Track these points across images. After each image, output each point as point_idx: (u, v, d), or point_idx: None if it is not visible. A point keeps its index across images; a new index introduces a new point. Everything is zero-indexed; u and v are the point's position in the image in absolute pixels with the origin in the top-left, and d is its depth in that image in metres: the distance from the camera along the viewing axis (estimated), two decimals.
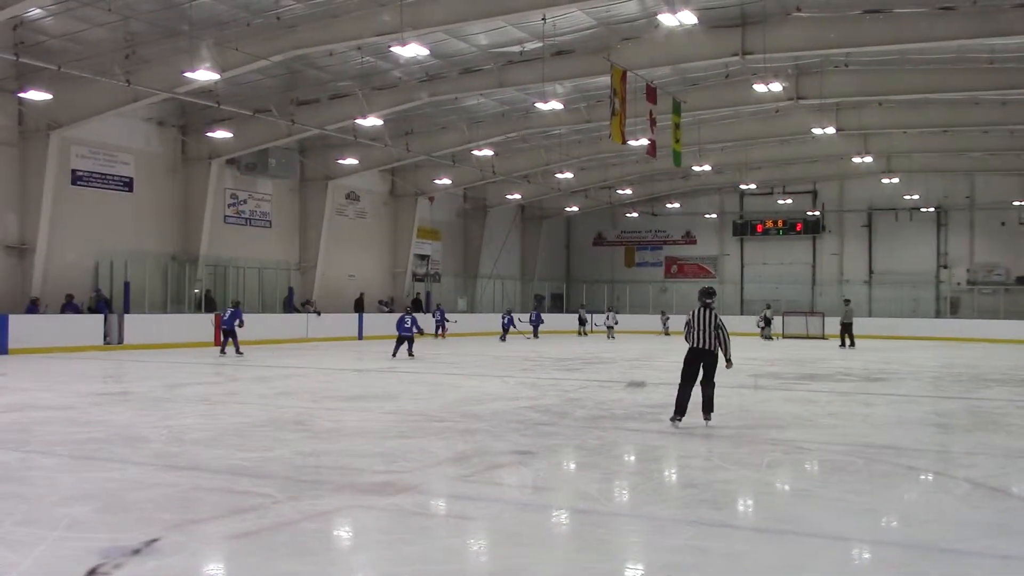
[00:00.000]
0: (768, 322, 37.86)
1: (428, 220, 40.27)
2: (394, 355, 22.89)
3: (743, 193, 46.57)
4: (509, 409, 12.23)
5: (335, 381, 16.60)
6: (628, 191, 43.83)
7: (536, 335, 35.72)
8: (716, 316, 10.91)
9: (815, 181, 45.06)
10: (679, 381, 10.97)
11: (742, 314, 42.91)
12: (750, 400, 13.92)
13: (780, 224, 46.17)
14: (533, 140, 34.60)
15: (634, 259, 50.72)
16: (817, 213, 45.38)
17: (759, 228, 46.64)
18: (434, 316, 33.53)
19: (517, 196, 42.07)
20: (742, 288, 47.34)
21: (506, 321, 34.52)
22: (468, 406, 12.56)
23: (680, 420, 10.81)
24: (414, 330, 23.46)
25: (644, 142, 25.09)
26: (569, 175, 37.89)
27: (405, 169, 36.89)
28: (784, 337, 38.10)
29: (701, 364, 10.85)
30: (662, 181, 44.46)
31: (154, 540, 5.71)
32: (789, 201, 45.52)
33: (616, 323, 38.65)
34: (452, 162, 33.65)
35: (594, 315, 41.97)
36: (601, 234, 51.31)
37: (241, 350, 23.06)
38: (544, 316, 37.84)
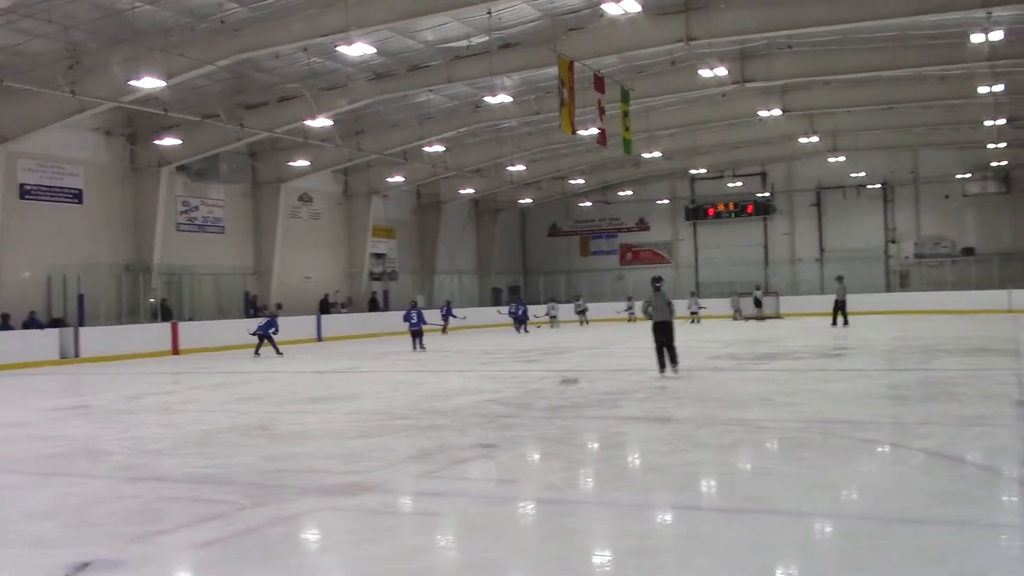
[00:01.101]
0: (759, 303, 38.34)
1: (383, 219, 40.11)
2: (413, 348, 24.64)
3: (693, 178, 46.89)
4: (471, 403, 12.23)
5: (296, 384, 16.49)
6: (580, 181, 44.00)
7: (526, 329, 35.11)
8: (665, 295, 15.01)
9: (763, 163, 45.47)
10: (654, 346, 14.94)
11: (692, 296, 43.23)
12: (710, 382, 14.03)
13: (731, 207, 46.54)
14: (484, 134, 34.57)
15: (589, 248, 50.89)
16: (767, 194, 45.82)
17: (711, 212, 46.98)
18: (441, 311, 33.96)
19: (470, 190, 42.05)
20: (697, 271, 47.69)
21: (520, 312, 34.97)
22: (430, 402, 12.54)
23: (663, 373, 14.75)
24: (421, 324, 25.01)
25: (594, 131, 25.16)
26: (521, 167, 37.94)
27: (357, 169, 36.71)
28: (744, 319, 38.45)
29: (663, 332, 14.83)
30: (613, 169, 44.65)
31: (120, 554, 5.64)
32: (739, 184, 45.92)
33: (558, 314, 38.85)
34: (404, 159, 33.55)
35: (556, 306, 41.97)
36: (556, 225, 51.42)
37: (281, 351, 24.53)
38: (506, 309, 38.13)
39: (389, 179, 36.69)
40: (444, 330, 33.77)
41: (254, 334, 25.01)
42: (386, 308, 38.52)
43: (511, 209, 48.85)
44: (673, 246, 48.80)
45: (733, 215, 46.57)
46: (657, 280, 15.24)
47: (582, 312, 39.77)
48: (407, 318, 25.15)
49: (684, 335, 27.56)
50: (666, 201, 48.30)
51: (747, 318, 38.04)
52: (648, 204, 48.61)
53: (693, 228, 48.06)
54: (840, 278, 31.10)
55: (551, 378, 15.61)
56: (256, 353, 24.69)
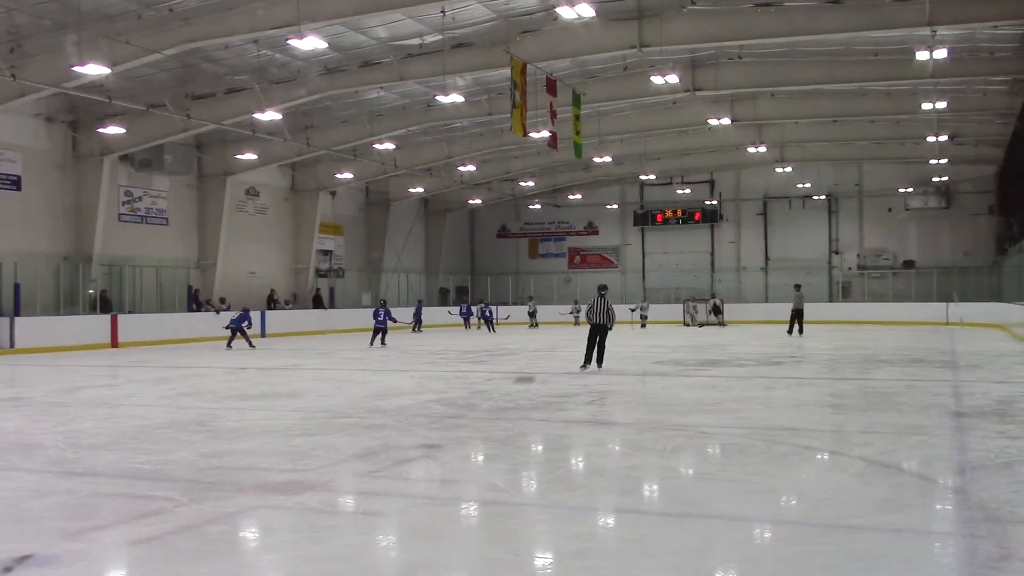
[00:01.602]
0: (718, 310, 38.71)
1: (330, 215, 39.86)
2: (371, 344, 25.84)
3: (643, 184, 47.23)
4: (416, 403, 12.19)
5: (238, 380, 16.32)
6: (531, 183, 44.13)
7: (492, 328, 36.18)
8: (608, 302, 17.14)
9: (712, 171, 45.94)
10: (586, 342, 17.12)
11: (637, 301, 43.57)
12: (653, 387, 14.13)
13: (679, 214, 46.94)
14: (435, 133, 34.50)
15: (538, 250, 51.04)
16: (715, 202, 46.30)
17: (659, 218, 47.35)
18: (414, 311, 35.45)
19: (420, 189, 41.94)
20: (644, 276, 48.03)
21: (488, 313, 36.12)
22: (374, 401, 12.48)
23: (587, 367, 16.80)
24: (388, 322, 26.36)
25: (545, 134, 25.26)
26: (472, 168, 37.94)
27: (306, 164, 36.43)
28: (697, 324, 38.83)
29: (597, 333, 16.99)
30: (564, 173, 44.82)
31: (53, 549, 5.53)
32: (688, 191, 46.33)
33: (493, 315, 38.97)
34: (353, 156, 33.37)
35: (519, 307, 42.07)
36: (505, 226, 51.48)
37: (253, 344, 25.61)
38: (471, 309, 38.22)
39: (338, 175, 36.48)
40: (418, 330, 35.08)
41: (227, 328, 25.81)
42: (331, 305, 38.30)
43: (460, 209, 48.81)
44: (621, 251, 49.11)
45: (681, 222, 46.99)
46: (602, 288, 17.56)
47: (533, 314, 39.91)
48: (375, 315, 26.47)
49: (630, 340, 27.93)
50: (615, 206, 48.61)
51: (701, 324, 38.41)
52: (597, 208, 48.87)
53: (641, 233, 48.40)
54: (798, 287, 31.03)
55: (497, 379, 15.61)
56: (228, 346, 25.43)
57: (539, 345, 26.49)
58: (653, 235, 48.21)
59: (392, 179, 41.28)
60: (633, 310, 38.01)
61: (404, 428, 9.99)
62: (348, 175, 36.46)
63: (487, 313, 36.94)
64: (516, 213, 50.82)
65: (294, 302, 36.24)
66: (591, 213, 49.36)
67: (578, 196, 47.46)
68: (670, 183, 46.76)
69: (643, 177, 44.25)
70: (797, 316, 29.47)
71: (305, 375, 17.46)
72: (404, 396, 13.12)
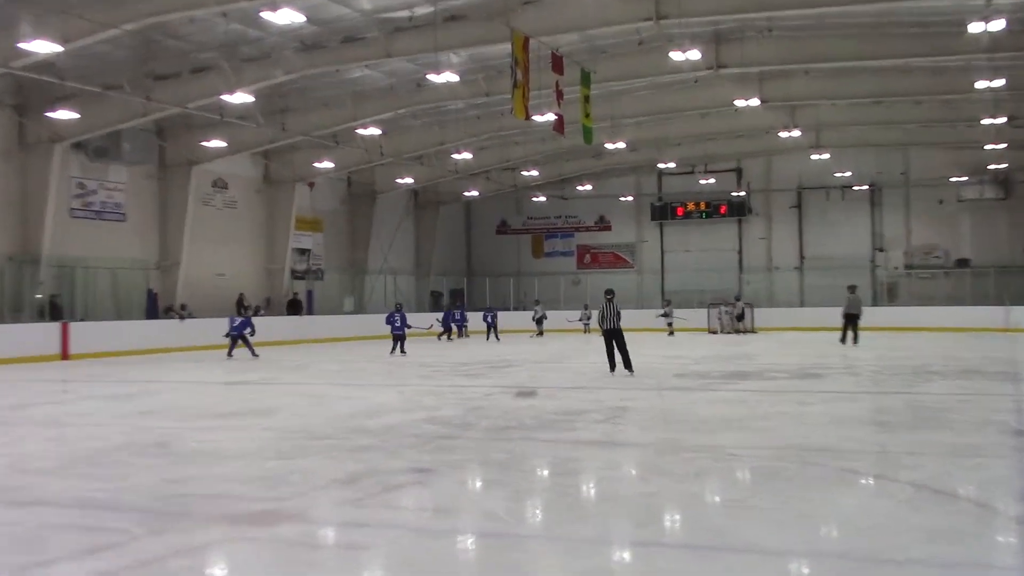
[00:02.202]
0: (742, 316, 38.77)
1: (308, 209, 39.88)
2: (392, 353, 26.93)
3: (661, 172, 47.24)
4: (405, 422, 12.18)
5: (204, 396, 16.31)
6: (534, 172, 44.10)
7: (496, 336, 36.55)
8: (616, 305, 19.02)
9: (739, 158, 45.98)
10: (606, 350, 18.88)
11: (650, 306, 43.56)
12: (674, 403, 14.12)
13: (702, 206, 46.96)
14: (426, 116, 34.51)
15: (543, 248, 51.08)
16: (742, 193, 46.31)
17: (679, 211, 47.37)
18: (454, 316, 36.51)
19: (409, 180, 41.94)
20: (663, 278, 48.03)
21: (490, 319, 36.65)
22: (358, 420, 12.47)
23: (613, 371, 18.53)
24: (404, 328, 27.59)
25: (550, 117, 25.26)
26: (467, 155, 37.92)
27: (280, 152, 36.44)
28: (714, 332, 38.83)
29: (613, 339, 18.73)
30: (571, 161, 44.83)
31: None
32: (712, 181, 46.35)
33: (467, 323, 39.02)
34: (334, 143, 33.36)
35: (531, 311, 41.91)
36: (505, 221, 51.53)
37: (257, 353, 26.24)
38: (464, 316, 38.33)
39: (316, 164, 36.47)
40: (450, 336, 36.34)
41: (228, 335, 26.62)
42: (310, 311, 38.29)
43: (455, 202, 48.84)
44: (637, 248, 49.16)
45: (704, 216, 47.00)
46: (609, 292, 19.40)
47: (540, 321, 39.83)
48: (390, 320, 27.65)
49: (651, 349, 27.86)
50: (630, 198, 48.64)
51: (733, 331, 38.44)
52: (610, 201, 48.90)
53: (659, 229, 48.43)
54: (853, 288, 29.84)
55: (497, 395, 15.60)
56: (229, 355, 26.21)
57: (544, 355, 26.46)
58: (673, 231, 48.24)
59: (378, 168, 41.29)
60: (663, 315, 38.00)
61: (392, 450, 9.98)
62: (328, 164, 36.47)
63: (489, 319, 36.98)
64: (518, 207, 50.84)
65: (267, 307, 36.24)
66: (603, 206, 49.39)
67: (588, 187, 47.45)
68: (692, 172, 46.78)
69: (661, 165, 44.25)
70: (851, 322, 28.67)
71: (280, 390, 17.44)
72: (392, 414, 13.11)
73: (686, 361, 23.00)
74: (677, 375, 18.94)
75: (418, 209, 47.75)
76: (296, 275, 39.06)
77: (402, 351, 27.14)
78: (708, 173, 46.40)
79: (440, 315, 38.19)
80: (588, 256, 50.17)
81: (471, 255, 52.25)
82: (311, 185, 39.49)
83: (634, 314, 41.36)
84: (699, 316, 40.47)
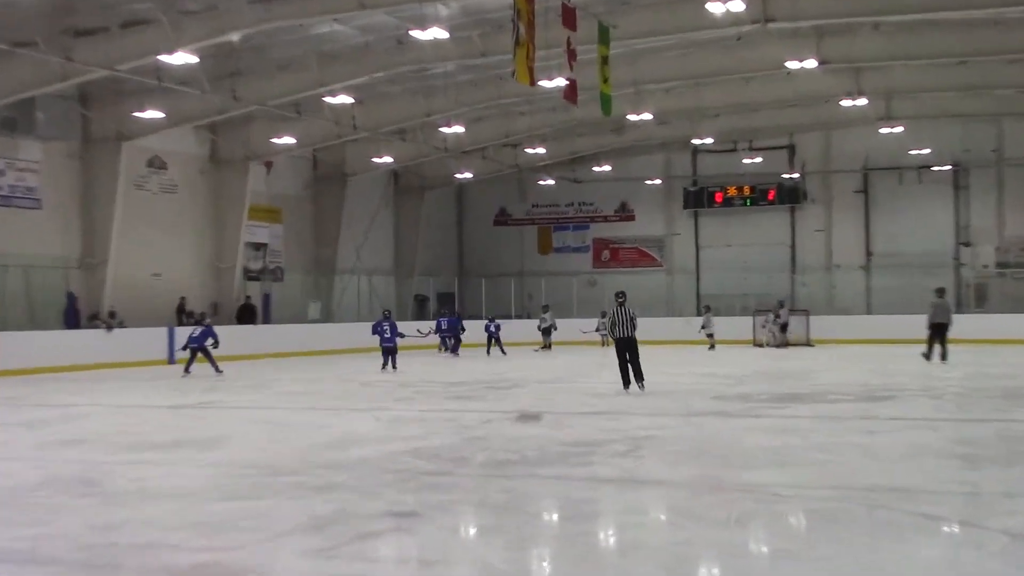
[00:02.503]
0: (785, 326, 38.72)
1: (264, 195, 39.90)
2: (383, 368, 27.67)
3: (696, 150, 47.25)
4: (384, 455, 12.18)
5: (139, 423, 16.31)
6: (540, 150, 44.08)
7: (502, 349, 36.89)
8: (630, 310, 19.87)
9: (792, 132, 45.95)
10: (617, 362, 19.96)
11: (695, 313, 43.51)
12: (711, 431, 14.12)
13: (746, 192, 46.93)
14: (408, 82, 34.50)
15: (551, 243, 51.11)
16: (796, 176, 46.27)
17: (718, 197, 47.35)
18: (487, 328, 36.98)
19: (388, 160, 41.91)
20: (698, 279, 48.02)
21: (492, 329, 37.07)
22: (326, 452, 12.47)
23: (628, 388, 19.55)
24: (396, 339, 28.19)
25: (561, 83, 25.23)
26: (459, 129, 37.92)
27: (231, 124, 36.45)
28: (760, 345, 38.83)
29: (626, 350, 19.70)
30: (586, 136, 44.82)
31: None
32: (758, 160, 46.30)
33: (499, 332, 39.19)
34: (297, 114, 33.36)
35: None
36: (505, 210, 51.57)
37: (220, 368, 26.76)
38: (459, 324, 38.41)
39: (275, 140, 36.45)
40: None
41: (187, 347, 27.16)
42: (266, 319, 38.29)
43: (444, 187, 48.86)
44: (666, 243, 49.18)
45: (749, 203, 46.97)
46: (620, 295, 20.33)
47: (548, 331, 39.78)
48: (378, 330, 28.38)
49: (683, 367, 27.75)
50: (658, 182, 48.65)
51: (783, 344, 38.43)
52: (633, 185, 48.92)
53: (694, 219, 48.46)
54: (941, 292, 29.21)
55: (497, 421, 15.62)
56: (186, 371, 26.68)
57: (553, 373, 26.46)
58: (711, 222, 48.26)
59: (350, 146, 41.29)
60: (703, 328, 38.02)
61: (368, 490, 9.99)
62: (289, 140, 36.44)
63: (492, 329, 36.93)
64: (521, 192, 50.87)
65: (215, 315, 36.23)
66: (625, 191, 49.40)
67: (606, 168, 47.45)
68: (734, 150, 46.77)
69: (696, 142, 44.24)
70: (938, 333, 27.91)
71: (230, 416, 17.45)
72: (368, 445, 13.11)
73: (726, 380, 22.98)
74: (715, 397, 18.92)
75: (399, 195, 47.73)
76: (250, 275, 39.05)
77: (393, 366, 27.68)
78: (753, 151, 46.38)
79: (431, 323, 38.28)
80: (607, 252, 50.18)
81: (463, 251, 52.26)
82: (268, 165, 39.51)
83: (663, 323, 41.55)
84: (742, 326, 40.46)
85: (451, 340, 37.10)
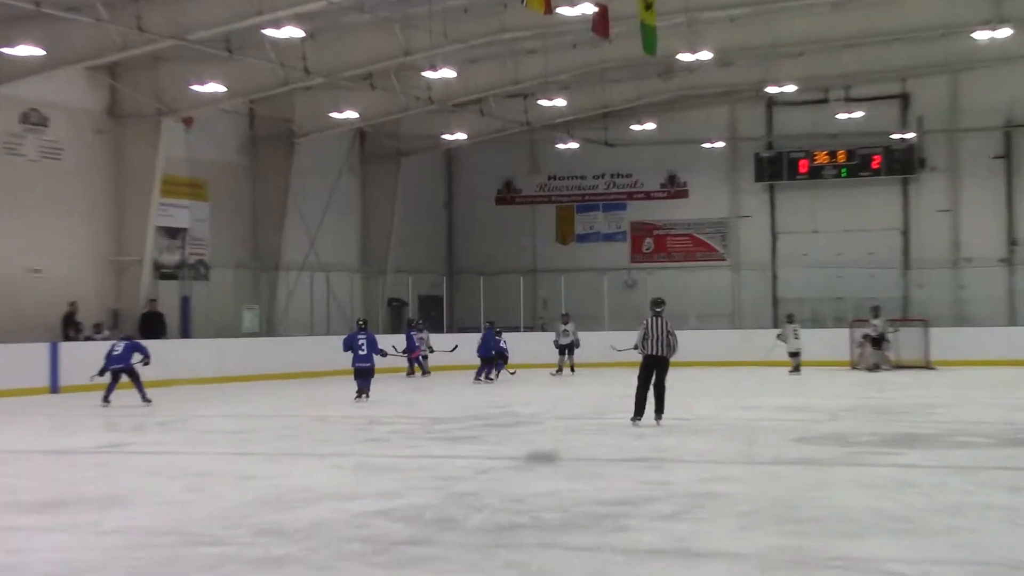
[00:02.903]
0: (880, 340, 38.59)
1: (183, 163, 39.92)
2: (358, 398, 27.89)
3: (772, 102, 47.31)
4: (345, 517, 12.14)
5: (11, 474, 16.28)
6: (559, 103, 44.06)
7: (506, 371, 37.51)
8: (667, 324, 21.10)
9: (904, 77, 45.94)
10: (636, 384, 21.09)
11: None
12: (792, 485, 14.06)
13: (841, 158, 47.02)
14: (380, 8, 34.51)
15: (573, 228, 51.23)
16: (910, 136, 46.22)
17: (803, 166, 47.40)
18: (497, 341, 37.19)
19: (351, 114, 41.92)
20: (774, 278, 47.95)
21: (501, 344, 37.54)
22: (266, 514, 12.42)
23: (639, 420, 20.75)
24: (373, 358, 28.42)
25: (587, 9, 25.21)
26: (448, 73, 37.86)
27: (137, 66, 36.48)
28: (854, 367, 38.76)
29: (654, 369, 20.94)
30: (622, 84, 44.85)
31: None
32: (858, 115, 46.27)
33: (431, 350, 39.26)
34: (227, 52, 33.36)
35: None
36: (511, 184, 51.68)
37: (148, 396, 27.44)
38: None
39: (196, 88, 36.43)
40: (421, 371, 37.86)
41: (106, 370, 27.71)
42: (185, 332, 38.24)
43: (427, 152, 48.93)
44: (731, 229, 49.30)
45: (845, 173, 47.04)
46: (658, 304, 21.68)
47: (567, 349, 39.67)
48: (350, 345, 28.74)
49: (754, 397, 27.61)
50: (720, 145, 48.74)
51: (874, 366, 38.31)
52: (687, 150, 49.03)
53: (769, 196, 48.58)
54: None
55: (498, 471, 15.58)
56: (106, 400, 27.25)
57: (576, 404, 26.44)
58: (791, 199, 48.33)
59: (300, 96, 41.32)
60: (781, 341, 37.93)
61: (323, 565, 9.96)
62: (217, 88, 36.39)
63: (500, 345, 36.98)
64: (532, 159, 50.98)
65: (114, 326, 36.25)
66: (674, 158, 49.49)
67: (649, 127, 47.47)
68: (824, 101, 46.82)
69: (772, 90, 44.24)
70: None
71: (136, 464, 17.43)
72: (324, 503, 13.07)
73: (815, 416, 22.97)
74: (799, 439, 18.88)
75: (367, 164, 47.85)
76: (163, 272, 39.00)
77: (366, 395, 28.08)
78: (851, 103, 46.35)
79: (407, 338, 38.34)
80: (649, 241, 50.30)
81: (454, 240, 52.42)
82: (188, 123, 39.46)
83: (726, 339, 41.59)
84: (835, 341, 40.38)
85: (495, 363, 37.08)
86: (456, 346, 37.37)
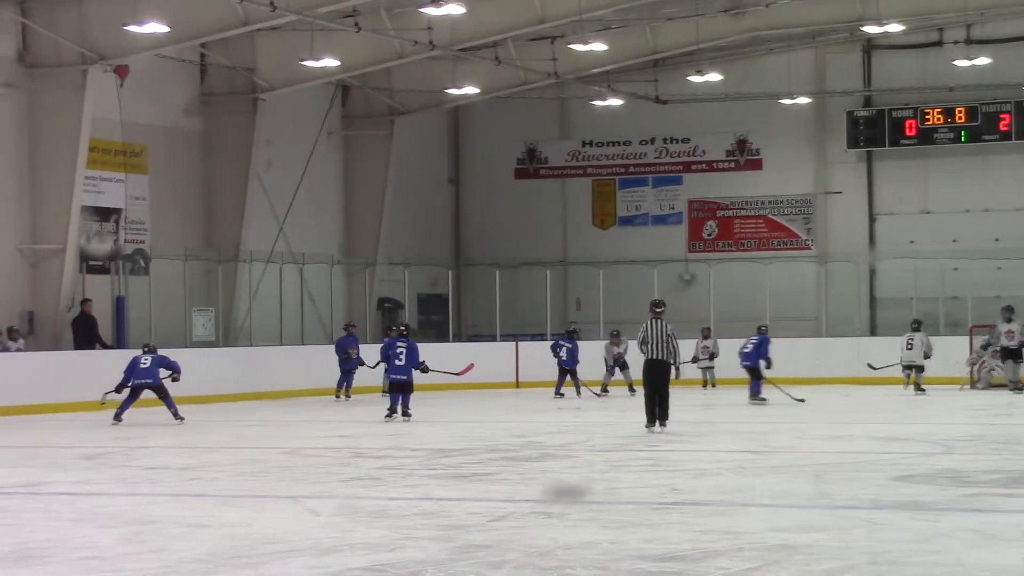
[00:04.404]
0: (1018, 354, 38.58)
1: (116, 125, 39.97)
2: (388, 417, 29.38)
3: (871, 46, 47.26)
4: (324, 575, 12.20)
5: None
6: (596, 47, 44.08)
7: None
8: (667, 326, 25.35)
9: None
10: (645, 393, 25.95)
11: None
12: (899, 535, 14.08)
13: (960, 118, 46.88)
14: None
15: (614, 208, 51.23)
16: None
17: (910, 128, 47.37)
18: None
19: (331, 62, 41.96)
20: (872, 273, 47.89)
21: (563, 354, 39.04)
22: (224, 571, 12.47)
23: (653, 426, 25.36)
24: (411, 371, 29.79)
25: None
26: (455, 8, 37.92)
27: (55, 1, 36.52)
28: (973, 386, 38.71)
29: (658, 374, 25.18)
30: (677, 23, 44.81)
31: None
32: (981, 62, 46.17)
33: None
34: None
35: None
36: (536, 151, 51.76)
37: (181, 414, 29.77)
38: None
39: (133, 28, 36.46)
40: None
41: (125, 385, 29.73)
42: (118, 340, 38.30)
43: (428, 111, 48.95)
44: (817, 208, 49.29)
45: (964, 137, 46.92)
46: (658, 305, 26.17)
47: (618, 366, 39.86)
48: (386, 353, 30.52)
49: (850, 424, 27.49)
50: (804, 102, 48.64)
51: (1014, 386, 38.30)
52: (760, 108, 49.14)
53: (866, 167, 48.57)
54: None
55: (518, 516, 15.61)
56: (118, 418, 29.31)
57: (619, 434, 26.48)
58: (894, 171, 48.41)
59: (264, 39, 41.36)
60: (909, 365, 38.04)
61: None
62: (159, 27, 36.44)
63: (565, 352, 37.63)
64: (563, 121, 51.07)
65: (29, 332, 36.36)
66: (745, 119, 49.58)
67: (714, 78, 47.48)
68: (937, 44, 46.76)
69: (872, 30, 44.23)
70: None
71: (55, 509, 17.46)
72: (296, 558, 13.11)
73: (923, 447, 23.00)
74: (902, 477, 18.89)
75: (350, 126, 47.96)
76: (92, 264, 39.08)
77: (403, 414, 29.11)
78: (973, 46, 46.31)
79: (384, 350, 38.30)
80: (712, 225, 50.38)
81: (461, 225, 52.47)
82: (121, 73, 39.51)
83: (812, 349, 41.60)
84: (953, 351, 40.34)
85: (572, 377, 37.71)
86: (471, 365, 37.00)
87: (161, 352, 33.74)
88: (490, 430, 27.96)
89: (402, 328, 31.83)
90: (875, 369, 38.79)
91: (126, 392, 29.19)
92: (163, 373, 29.28)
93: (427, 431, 28.11)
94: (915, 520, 15.30)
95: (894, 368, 38.54)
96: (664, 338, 24.96)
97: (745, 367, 34.85)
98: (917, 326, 40.02)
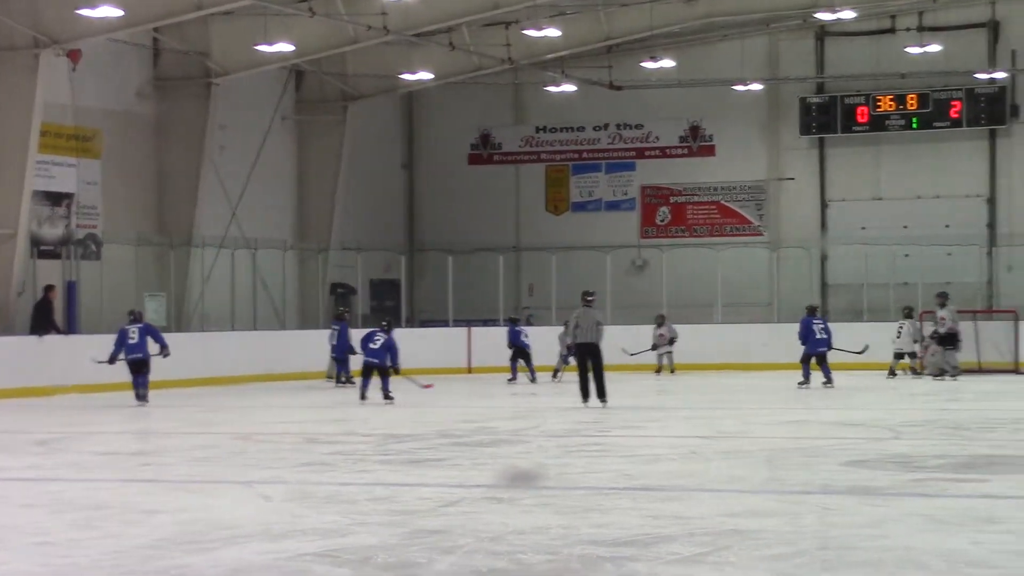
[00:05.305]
0: (948, 339, 38.68)
1: (68, 110, 39.87)
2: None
3: (823, 31, 47.33)
4: (275, 560, 12.18)
5: None
6: (549, 33, 44.09)
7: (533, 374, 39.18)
8: (596, 313, 28.76)
9: (994, 0, 45.91)
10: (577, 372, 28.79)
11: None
12: (849, 520, 14.14)
13: (912, 104, 47.02)
14: None
15: (568, 194, 51.28)
16: (1000, 76, 46.26)
17: (862, 115, 47.44)
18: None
19: (285, 47, 41.90)
20: (823, 259, 48.02)
21: (524, 339, 39.35)
22: (176, 556, 12.44)
23: (588, 401, 28.27)
24: (385, 355, 30.81)
25: None
26: None
27: None
28: (919, 372, 38.84)
29: (587, 357, 28.07)
30: (632, 8, 44.84)
31: None
32: (932, 49, 46.28)
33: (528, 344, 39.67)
34: None
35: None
36: (489, 137, 51.76)
37: (146, 395, 30.79)
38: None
39: (85, 11, 36.37)
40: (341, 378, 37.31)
41: (115, 359, 30.73)
42: (70, 325, 38.20)
43: (382, 96, 48.88)
44: (770, 195, 49.39)
45: (916, 124, 47.05)
46: (589, 295, 29.35)
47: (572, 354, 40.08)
48: (365, 343, 31.20)
49: (800, 411, 27.54)
50: (756, 88, 48.70)
51: (940, 372, 38.40)
52: (714, 95, 49.16)
53: (818, 153, 48.69)
54: None
55: (470, 501, 15.64)
56: (144, 398, 30.73)
57: (572, 420, 26.51)
58: (846, 157, 48.59)
59: (217, 23, 41.27)
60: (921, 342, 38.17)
61: None
62: (110, 10, 36.34)
63: (522, 339, 37.64)
64: (517, 107, 51.05)
65: None
66: (698, 105, 49.62)
67: (666, 65, 47.52)
68: (889, 31, 46.85)
69: (825, 17, 44.32)
70: None
71: (4, 494, 17.42)
72: (248, 543, 13.10)
73: (872, 432, 23.09)
74: (851, 462, 18.96)
75: (304, 111, 47.90)
76: (43, 249, 38.96)
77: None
78: (925, 32, 46.42)
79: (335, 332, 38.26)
80: (665, 211, 50.43)
81: (415, 210, 52.43)
82: (74, 57, 39.42)
83: (763, 335, 41.69)
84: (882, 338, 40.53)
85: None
86: (430, 385, 36.78)
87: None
88: (442, 415, 27.99)
89: (383, 323, 32.58)
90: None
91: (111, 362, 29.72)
92: (153, 349, 29.62)
93: (380, 417, 28.13)
94: (865, 505, 15.37)
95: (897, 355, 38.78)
96: (594, 324, 28.09)
97: (820, 353, 34.55)
98: (908, 312, 40.15)
